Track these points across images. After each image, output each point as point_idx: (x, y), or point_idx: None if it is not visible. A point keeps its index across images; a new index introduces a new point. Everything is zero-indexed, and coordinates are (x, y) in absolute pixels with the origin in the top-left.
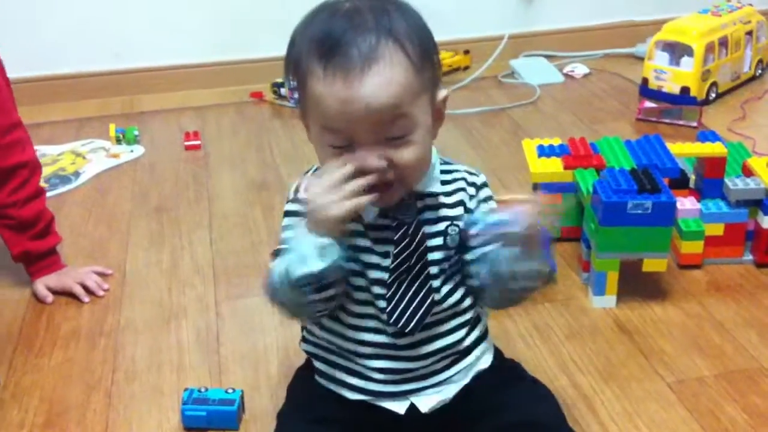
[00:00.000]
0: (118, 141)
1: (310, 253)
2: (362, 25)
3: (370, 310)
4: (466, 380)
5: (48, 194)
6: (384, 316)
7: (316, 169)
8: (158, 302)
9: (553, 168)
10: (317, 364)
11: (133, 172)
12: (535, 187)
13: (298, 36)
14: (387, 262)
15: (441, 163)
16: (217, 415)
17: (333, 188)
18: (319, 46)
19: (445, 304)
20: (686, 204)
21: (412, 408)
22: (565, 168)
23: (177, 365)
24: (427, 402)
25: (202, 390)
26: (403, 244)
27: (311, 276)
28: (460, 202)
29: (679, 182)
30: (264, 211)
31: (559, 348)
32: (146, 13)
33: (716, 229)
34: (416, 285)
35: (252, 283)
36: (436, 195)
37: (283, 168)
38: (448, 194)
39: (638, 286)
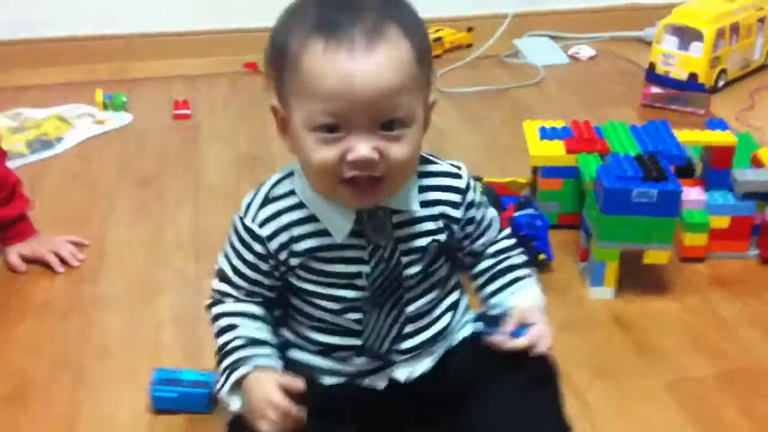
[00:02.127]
0: (105, 107)
1: (228, 397)
2: (366, 6)
3: (343, 322)
4: (442, 350)
5: (29, 159)
6: (357, 327)
7: (274, 184)
8: (137, 277)
9: (554, 151)
10: (290, 353)
11: (119, 140)
12: (535, 170)
13: (285, 22)
14: (359, 282)
15: (420, 164)
16: (188, 397)
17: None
18: (318, 23)
19: (424, 301)
20: (692, 194)
21: (392, 382)
22: (568, 152)
23: (153, 344)
24: (405, 372)
25: (175, 370)
26: (379, 269)
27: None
28: (442, 215)
29: (685, 171)
30: (253, 187)
31: (554, 340)
32: None
33: (721, 222)
34: (389, 305)
35: None
36: (411, 210)
37: (276, 143)
38: (427, 205)
39: (637, 277)
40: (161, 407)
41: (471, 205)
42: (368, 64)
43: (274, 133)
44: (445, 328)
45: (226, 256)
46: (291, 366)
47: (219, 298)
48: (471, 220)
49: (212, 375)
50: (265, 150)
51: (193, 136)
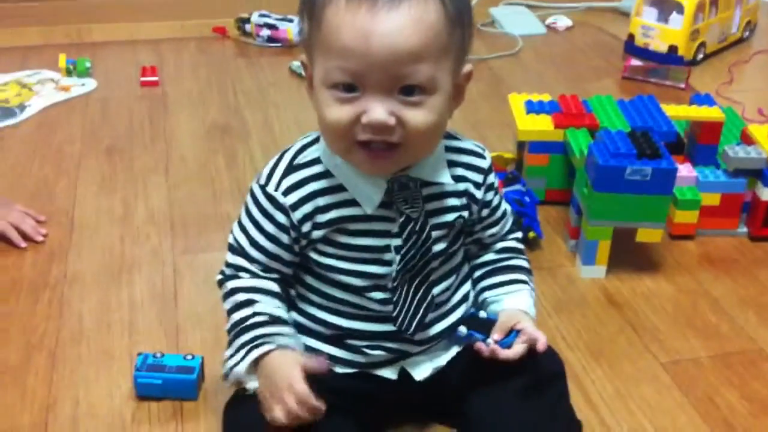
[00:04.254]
0: (69, 73)
1: (245, 377)
2: None
3: (366, 302)
4: (459, 347)
5: None
6: (380, 308)
7: (299, 150)
8: (109, 253)
9: (542, 126)
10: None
11: (84, 107)
12: (522, 145)
13: None
14: (387, 257)
15: (446, 139)
16: (174, 383)
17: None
18: None
19: (444, 286)
20: (683, 171)
21: (404, 373)
22: (556, 126)
23: (129, 325)
24: (420, 371)
25: (158, 355)
26: (410, 242)
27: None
28: (466, 192)
29: (674, 147)
30: (226, 158)
31: (546, 321)
32: None
33: (712, 199)
34: (417, 282)
35: (213, 237)
36: (442, 184)
37: (248, 111)
38: (455, 180)
39: (627, 256)
40: (146, 394)
41: (490, 188)
42: (388, 23)
43: (245, 102)
44: (459, 320)
45: (243, 229)
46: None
47: (233, 272)
48: (488, 204)
49: (198, 360)
50: (237, 119)
51: (162, 104)
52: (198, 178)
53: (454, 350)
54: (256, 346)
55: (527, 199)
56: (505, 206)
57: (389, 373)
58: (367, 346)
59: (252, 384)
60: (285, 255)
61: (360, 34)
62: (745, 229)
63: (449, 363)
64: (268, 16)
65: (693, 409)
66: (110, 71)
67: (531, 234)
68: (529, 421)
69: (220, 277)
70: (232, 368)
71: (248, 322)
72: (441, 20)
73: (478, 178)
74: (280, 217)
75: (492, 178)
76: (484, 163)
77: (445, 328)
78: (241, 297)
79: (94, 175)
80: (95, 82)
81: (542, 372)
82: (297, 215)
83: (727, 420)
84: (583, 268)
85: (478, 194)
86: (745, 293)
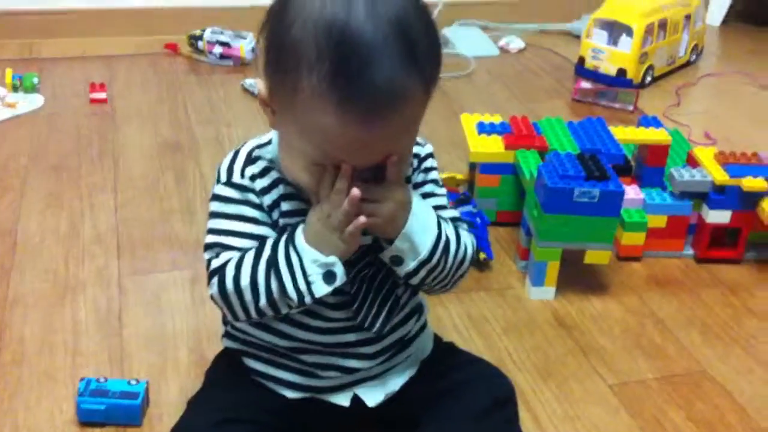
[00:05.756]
0: (15, 88)
1: (315, 279)
2: (388, 44)
3: (322, 310)
4: (412, 371)
5: None
6: (337, 314)
7: (253, 149)
8: (53, 274)
9: (493, 147)
10: (247, 362)
11: (30, 124)
12: (473, 166)
13: (305, 7)
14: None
15: None
16: (117, 409)
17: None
18: (337, 59)
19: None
20: (630, 193)
21: (357, 399)
22: (507, 148)
23: (72, 348)
24: (373, 397)
25: (101, 380)
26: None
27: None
28: (407, 179)
29: (622, 169)
30: (176, 176)
31: (496, 342)
32: None
33: (659, 221)
34: (379, 279)
35: (161, 257)
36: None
37: (199, 129)
38: None
39: (576, 277)
40: (88, 419)
41: (426, 172)
42: (377, 132)
43: (196, 119)
44: (407, 334)
45: (217, 231)
46: (252, 375)
47: (220, 267)
48: (422, 185)
49: (142, 385)
50: (189, 137)
51: (111, 122)
52: (146, 196)
53: (407, 375)
54: (292, 244)
55: (478, 220)
56: (454, 214)
57: (341, 400)
58: (319, 366)
59: (337, 265)
60: (270, 232)
61: (348, 140)
62: (690, 251)
63: (401, 389)
64: (221, 33)
65: (640, 431)
66: (58, 87)
67: (481, 255)
68: None
69: (211, 291)
70: (309, 288)
71: (265, 250)
72: (422, 107)
73: (414, 162)
74: (254, 198)
75: (428, 164)
76: (422, 150)
77: (396, 340)
78: (236, 259)
79: (39, 193)
80: (42, 98)
81: (493, 396)
82: (266, 200)
83: None
84: (532, 290)
85: (415, 178)
86: (690, 314)
